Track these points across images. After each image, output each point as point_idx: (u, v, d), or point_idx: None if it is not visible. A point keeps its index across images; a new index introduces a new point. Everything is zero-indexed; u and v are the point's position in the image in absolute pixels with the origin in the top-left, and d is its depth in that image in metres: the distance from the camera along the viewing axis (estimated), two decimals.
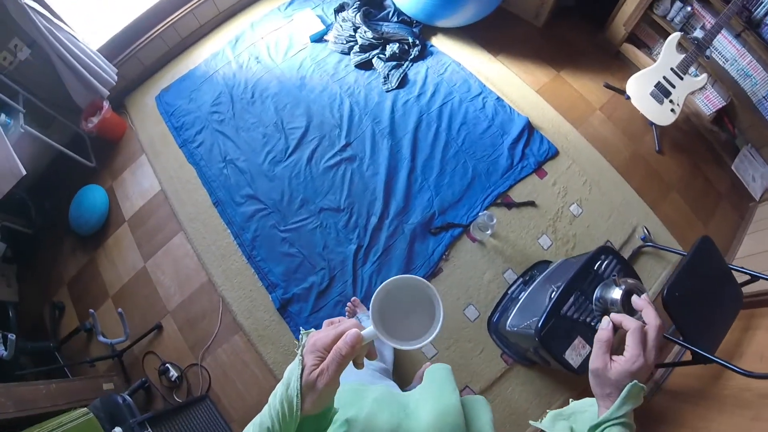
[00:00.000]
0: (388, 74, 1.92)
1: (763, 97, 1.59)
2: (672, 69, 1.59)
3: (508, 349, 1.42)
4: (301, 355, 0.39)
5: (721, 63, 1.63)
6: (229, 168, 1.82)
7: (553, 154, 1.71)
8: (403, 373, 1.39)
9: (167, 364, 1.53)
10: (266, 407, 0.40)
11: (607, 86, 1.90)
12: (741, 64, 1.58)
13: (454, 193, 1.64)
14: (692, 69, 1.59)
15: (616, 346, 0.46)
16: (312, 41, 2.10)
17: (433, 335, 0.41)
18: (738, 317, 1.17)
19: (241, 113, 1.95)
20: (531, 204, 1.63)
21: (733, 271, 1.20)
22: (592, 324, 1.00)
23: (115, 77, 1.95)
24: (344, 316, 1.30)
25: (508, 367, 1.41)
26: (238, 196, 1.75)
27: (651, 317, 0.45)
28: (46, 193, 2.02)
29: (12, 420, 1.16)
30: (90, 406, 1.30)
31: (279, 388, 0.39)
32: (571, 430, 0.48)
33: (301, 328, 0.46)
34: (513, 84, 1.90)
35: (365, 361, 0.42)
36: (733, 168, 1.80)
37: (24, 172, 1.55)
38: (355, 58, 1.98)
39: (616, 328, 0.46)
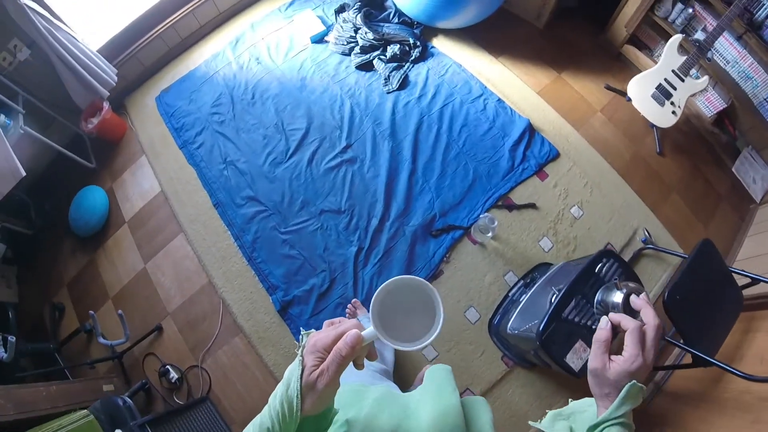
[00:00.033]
0: (388, 75, 1.91)
1: (764, 99, 1.59)
2: (673, 71, 1.59)
3: (508, 351, 1.42)
4: (302, 356, 0.39)
5: (722, 65, 1.63)
6: (230, 169, 1.82)
7: (554, 156, 1.71)
8: (404, 375, 1.39)
9: (167, 366, 1.53)
10: (266, 408, 0.40)
11: (608, 88, 1.90)
12: (742, 66, 1.58)
13: (455, 195, 1.64)
14: (693, 71, 1.58)
15: (615, 350, 0.46)
16: (312, 42, 2.10)
17: (433, 336, 0.41)
18: (738, 320, 1.17)
19: (241, 114, 1.94)
20: (532, 206, 1.63)
21: (733, 274, 1.20)
22: (594, 327, 0.99)
23: (115, 78, 1.95)
24: (345, 317, 1.30)
25: (508, 370, 1.41)
26: (238, 197, 1.75)
27: (650, 317, 0.45)
28: (46, 194, 2.01)
29: (12, 422, 1.16)
30: (90, 408, 1.30)
31: (279, 389, 0.39)
32: (570, 430, 0.48)
33: (301, 328, 0.46)
34: (514, 85, 1.90)
35: (365, 362, 0.42)
36: (733, 170, 1.80)
37: (24, 174, 1.54)
38: (355, 59, 1.98)
39: (615, 328, 0.46)
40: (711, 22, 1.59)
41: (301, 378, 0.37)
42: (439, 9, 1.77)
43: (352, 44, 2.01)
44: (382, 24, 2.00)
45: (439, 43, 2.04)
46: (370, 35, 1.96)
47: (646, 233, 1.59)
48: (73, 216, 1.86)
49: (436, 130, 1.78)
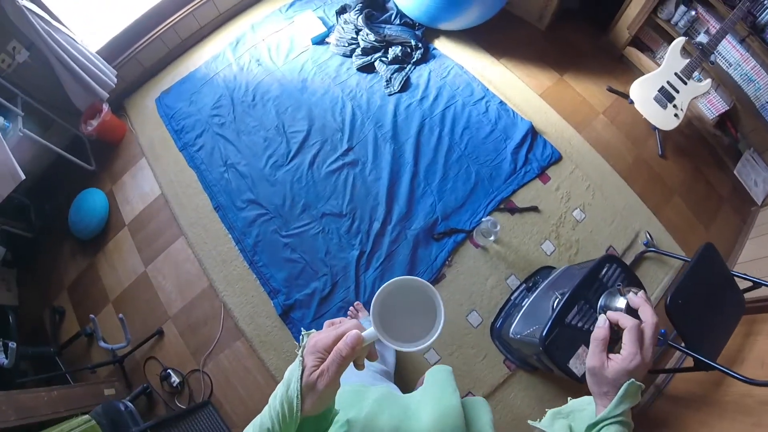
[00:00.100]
0: (390, 77, 1.91)
1: (766, 102, 1.59)
2: (676, 74, 1.58)
3: (510, 354, 1.42)
4: (302, 356, 0.39)
5: (724, 67, 1.63)
6: (230, 172, 1.81)
7: (556, 158, 1.71)
8: (405, 377, 1.39)
9: (169, 370, 1.53)
10: (266, 408, 0.40)
11: (611, 90, 1.90)
12: (745, 68, 1.58)
13: (457, 199, 1.64)
14: (696, 74, 1.58)
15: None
16: (313, 43, 2.09)
17: (434, 338, 0.41)
18: (739, 323, 1.18)
19: (242, 116, 1.93)
20: (534, 209, 1.62)
21: (735, 278, 1.20)
22: None
23: (115, 79, 1.94)
24: (346, 318, 1.30)
25: (510, 373, 1.41)
26: (239, 200, 1.74)
27: (648, 315, 0.44)
28: (45, 197, 2.00)
29: (14, 428, 1.16)
30: (92, 412, 1.29)
31: (279, 389, 0.39)
32: (569, 429, 0.48)
33: (302, 328, 0.46)
34: (516, 87, 1.90)
35: (366, 362, 0.42)
36: (735, 172, 1.80)
37: (23, 177, 1.53)
38: (357, 61, 1.97)
39: (613, 327, 0.46)
40: (714, 25, 1.58)
41: (301, 378, 0.37)
42: (441, 11, 1.77)
43: (354, 46, 2.00)
44: (383, 25, 1.99)
45: (441, 45, 2.04)
46: (372, 37, 1.95)
47: (648, 236, 1.59)
48: (73, 219, 1.85)
49: (438, 133, 1.77)
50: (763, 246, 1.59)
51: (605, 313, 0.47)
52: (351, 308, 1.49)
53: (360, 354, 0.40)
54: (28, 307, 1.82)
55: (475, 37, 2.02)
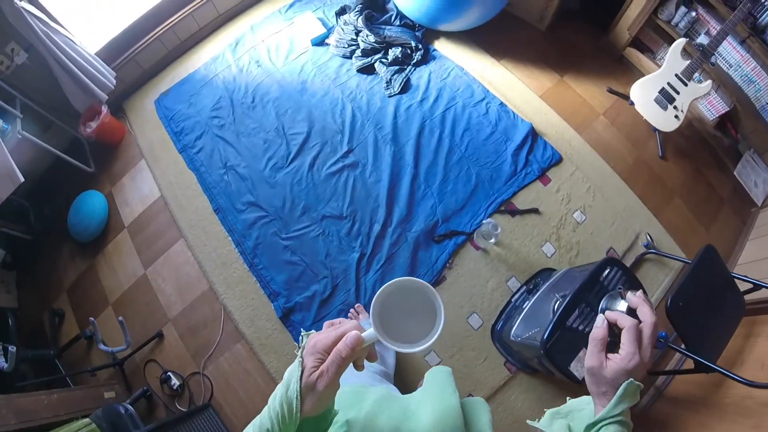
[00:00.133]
0: (390, 79, 1.90)
1: (767, 103, 1.59)
2: (676, 75, 1.58)
3: (511, 357, 1.42)
4: (301, 357, 0.39)
5: (725, 68, 1.62)
6: (230, 174, 1.80)
7: (556, 160, 1.70)
8: (405, 379, 1.39)
9: (169, 373, 1.53)
10: (266, 409, 0.40)
11: (611, 91, 1.89)
12: (745, 69, 1.57)
13: (458, 201, 1.63)
14: (696, 75, 1.58)
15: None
16: (313, 45, 2.08)
17: (434, 339, 0.41)
18: (740, 324, 1.18)
19: (241, 118, 1.93)
20: (534, 211, 1.62)
21: (735, 280, 1.20)
22: None
23: (114, 81, 1.93)
24: (345, 319, 1.30)
25: (511, 375, 1.41)
26: (239, 203, 1.74)
27: (646, 315, 0.44)
28: (44, 199, 2.00)
29: None
30: (92, 415, 1.29)
31: (279, 390, 0.39)
32: (568, 429, 0.48)
33: (301, 329, 0.46)
34: (516, 89, 1.89)
35: (366, 363, 0.42)
36: (735, 173, 1.80)
37: (22, 179, 1.53)
38: (357, 62, 1.96)
39: (613, 328, 0.46)
40: (714, 26, 1.58)
41: (300, 379, 0.37)
42: (442, 12, 1.76)
43: (354, 47, 2.00)
44: (383, 26, 1.99)
45: (441, 46, 2.03)
46: (372, 38, 1.95)
47: (649, 238, 1.59)
48: (72, 221, 1.84)
49: (438, 135, 1.77)
50: (762, 247, 1.59)
51: (614, 326, 0.47)
52: (351, 310, 1.49)
53: (360, 355, 0.40)
54: (28, 310, 1.82)
55: (475, 38, 2.01)
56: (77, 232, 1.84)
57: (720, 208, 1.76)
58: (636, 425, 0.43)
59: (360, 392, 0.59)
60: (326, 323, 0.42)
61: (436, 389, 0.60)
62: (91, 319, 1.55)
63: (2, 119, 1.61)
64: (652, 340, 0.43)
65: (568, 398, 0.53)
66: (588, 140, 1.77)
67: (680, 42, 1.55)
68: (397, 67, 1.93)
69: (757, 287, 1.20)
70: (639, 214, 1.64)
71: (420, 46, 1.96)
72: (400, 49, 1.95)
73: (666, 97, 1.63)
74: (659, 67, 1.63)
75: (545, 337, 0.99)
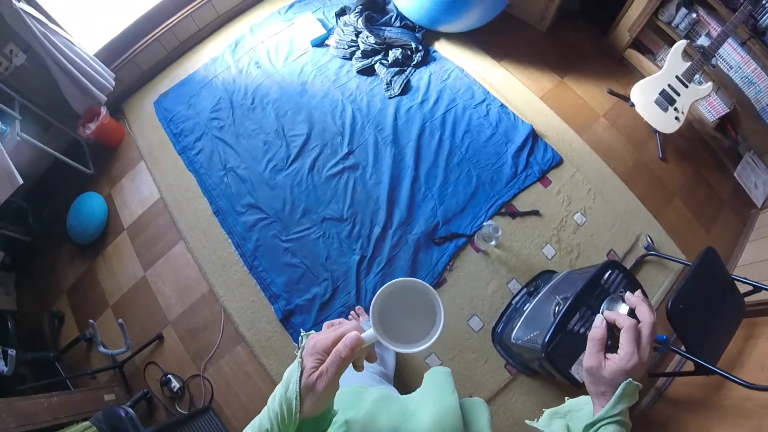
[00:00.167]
0: (390, 80, 1.90)
1: (767, 105, 1.59)
2: (677, 77, 1.58)
3: (512, 359, 1.42)
4: (301, 357, 0.39)
5: (725, 70, 1.62)
6: (230, 176, 1.80)
7: (557, 162, 1.70)
8: (405, 379, 1.39)
9: (169, 375, 1.52)
10: (265, 409, 0.40)
11: (611, 93, 1.89)
12: (745, 71, 1.58)
13: (458, 203, 1.63)
14: (697, 77, 1.58)
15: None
16: (313, 46, 2.07)
17: (433, 339, 0.41)
18: (740, 326, 1.18)
19: (241, 120, 1.92)
20: (535, 213, 1.62)
21: (735, 282, 1.20)
22: None
23: (113, 82, 1.92)
24: (345, 319, 1.30)
25: (512, 377, 1.41)
26: (239, 205, 1.73)
27: (645, 314, 0.44)
28: (43, 201, 1.99)
29: None
30: (92, 418, 1.29)
31: (278, 390, 0.39)
32: (567, 429, 0.48)
33: (301, 330, 0.46)
34: (517, 90, 1.89)
35: (365, 364, 0.42)
36: (735, 175, 1.80)
37: (21, 181, 1.52)
38: (357, 63, 1.96)
39: (612, 329, 0.46)
40: (715, 28, 1.58)
41: (300, 379, 0.37)
42: (442, 13, 1.76)
43: (354, 48, 1.99)
44: (383, 28, 1.98)
45: (442, 47, 2.03)
46: (372, 39, 1.94)
47: (649, 239, 1.59)
48: (71, 223, 1.84)
49: (439, 136, 1.76)
50: (762, 249, 1.60)
51: (615, 329, 0.47)
52: (352, 312, 1.48)
53: (359, 355, 0.40)
54: (27, 312, 1.81)
55: (475, 39, 2.01)
56: (76, 234, 1.83)
57: (720, 209, 1.76)
58: (636, 426, 0.43)
59: (359, 392, 0.59)
60: (326, 324, 0.42)
61: (435, 390, 0.60)
62: (91, 321, 1.55)
63: (1, 121, 1.60)
64: (651, 340, 0.43)
65: (566, 398, 0.53)
66: (588, 142, 1.77)
67: (681, 44, 1.55)
68: (397, 69, 1.92)
69: (757, 289, 1.20)
70: (639, 216, 1.64)
71: (420, 48, 1.96)
72: (400, 50, 1.94)
73: (666, 99, 1.63)
74: (660, 68, 1.63)
75: (546, 340, 0.99)
